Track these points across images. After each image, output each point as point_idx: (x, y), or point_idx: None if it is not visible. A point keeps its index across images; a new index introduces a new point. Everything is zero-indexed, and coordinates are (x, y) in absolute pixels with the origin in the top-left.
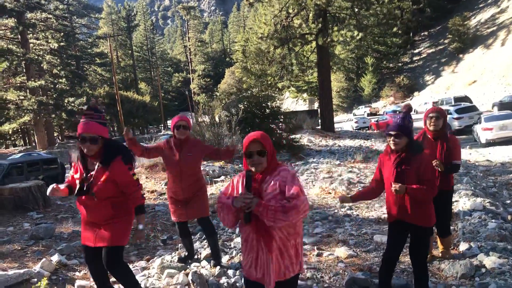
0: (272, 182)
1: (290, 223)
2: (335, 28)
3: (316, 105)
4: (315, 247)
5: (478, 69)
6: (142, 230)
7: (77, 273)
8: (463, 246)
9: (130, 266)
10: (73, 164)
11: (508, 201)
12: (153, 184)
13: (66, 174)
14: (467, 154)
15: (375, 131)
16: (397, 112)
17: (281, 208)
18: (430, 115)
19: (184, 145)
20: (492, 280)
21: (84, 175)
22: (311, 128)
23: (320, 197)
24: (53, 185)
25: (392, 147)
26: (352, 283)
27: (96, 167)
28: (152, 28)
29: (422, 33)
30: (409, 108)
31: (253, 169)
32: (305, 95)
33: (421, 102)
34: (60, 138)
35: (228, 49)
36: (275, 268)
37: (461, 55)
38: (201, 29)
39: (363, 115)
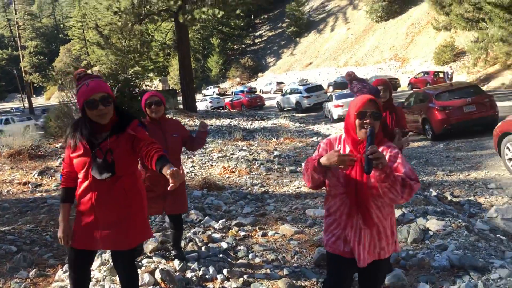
0: (384, 153)
1: (394, 201)
2: (194, 6)
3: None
4: (257, 227)
5: (313, 52)
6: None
7: None
8: (396, 213)
9: (59, 272)
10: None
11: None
12: (22, 175)
13: None
14: (326, 129)
15: (232, 111)
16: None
17: (401, 182)
18: (378, 87)
19: (165, 125)
20: (444, 241)
21: (93, 150)
22: (173, 108)
23: (225, 177)
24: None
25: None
26: (321, 260)
27: (106, 137)
28: None
29: (262, 16)
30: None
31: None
32: (151, 74)
33: (266, 83)
34: None
35: (61, 25)
36: (370, 247)
37: (298, 39)
38: (29, 1)
39: (213, 95)
